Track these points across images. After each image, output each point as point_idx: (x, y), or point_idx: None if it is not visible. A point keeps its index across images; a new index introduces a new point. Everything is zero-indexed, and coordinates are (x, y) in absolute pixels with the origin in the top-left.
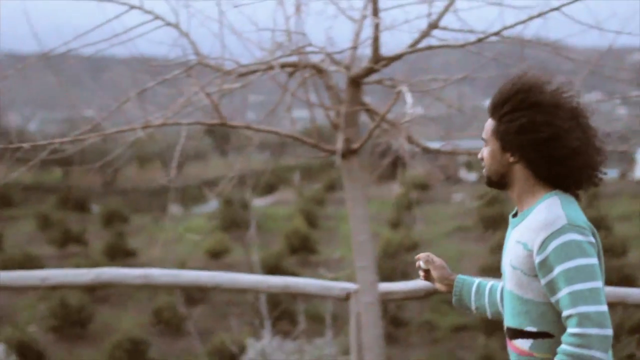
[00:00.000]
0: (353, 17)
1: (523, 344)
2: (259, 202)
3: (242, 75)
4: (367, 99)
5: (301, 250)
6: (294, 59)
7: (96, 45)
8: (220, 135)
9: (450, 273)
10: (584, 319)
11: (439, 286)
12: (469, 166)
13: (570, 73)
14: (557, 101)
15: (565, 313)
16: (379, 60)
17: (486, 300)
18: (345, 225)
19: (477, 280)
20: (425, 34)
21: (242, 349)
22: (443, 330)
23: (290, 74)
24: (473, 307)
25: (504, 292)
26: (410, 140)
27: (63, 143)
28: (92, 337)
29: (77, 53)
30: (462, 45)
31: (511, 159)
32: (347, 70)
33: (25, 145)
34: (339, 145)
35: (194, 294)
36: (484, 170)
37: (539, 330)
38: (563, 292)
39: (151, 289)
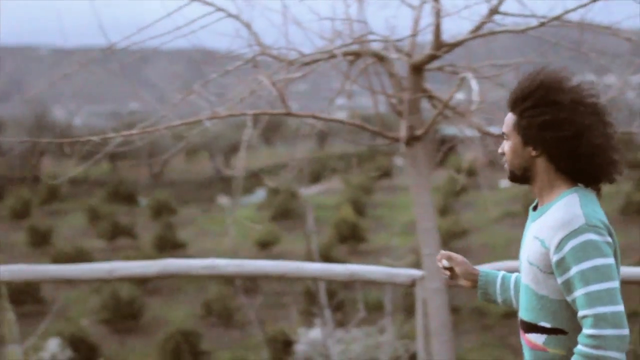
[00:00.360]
0: (412, 4)
1: (537, 338)
2: (306, 191)
3: (305, 64)
4: (428, 85)
5: (350, 239)
6: (355, 47)
7: (159, 38)
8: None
9: (473, 268)
10: (600, 320)
11: (463, 282)
12: None
13: (629, 55)
14: (579, 98)
15: (581, 313)
16: (440, 46)
17: (512, 292)
18: (393, 213)
19: (500, 273)
20: (486, 20)
21: (294, 339)
22: (493, 317)
23: (351, 62)
24: (499, 300)
25: (520, 285)
26: (474, 126)
27: (131, 135)
28: (143, 329)
29: (140, 47)
30: (523, 31)
31: (533, 153)
32: (408, 57)
33: (95, 138)
34: (403, 132)
35: (246, 285)
36: (505, 165)
37: (552, 326)
38: (579, 292)
39: (216, 279)
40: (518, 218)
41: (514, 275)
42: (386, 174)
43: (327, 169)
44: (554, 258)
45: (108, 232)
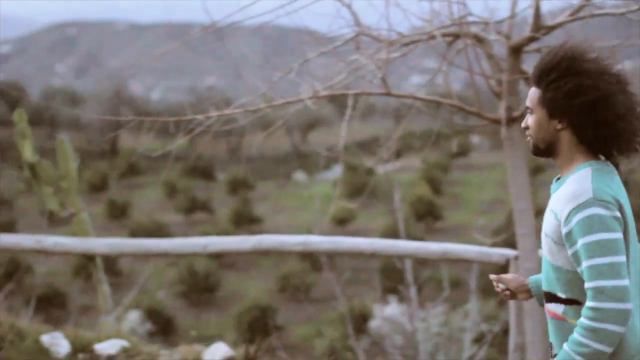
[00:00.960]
0: None
1: (556, 308)
2: (383, 169)
3: (404, 44)
4: (525, 67)
5: (427, 217)
6: (453, 28)
7: (261, 17)
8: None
9: (523, 279)
10: (599, 293)
11: (520, 297)
12: None
13: None
14: (602, 67)
15: (585, 286)
16: (539, 28)
17: None
18: (469, 191)
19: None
20: (585, 2)
21: (368, 315)
22: None
23: (449, 43)
24: None
25: (543, 257)
26: None
27: (234, 114)
28: (219, 303)
29: (240, 25)
30: (623, 13)
31: (558, 126)
32: (507, 39)
33: (200, 117)
34: (502, 113)
35: (322, 260)
36: (529, 139)
37: (567, 297)
38: (584, 265)
39: (310, 254)
40: None
41: None
42: (463, 152)
43: (405, 147)
44: (564, 230)
45: (185, 206)
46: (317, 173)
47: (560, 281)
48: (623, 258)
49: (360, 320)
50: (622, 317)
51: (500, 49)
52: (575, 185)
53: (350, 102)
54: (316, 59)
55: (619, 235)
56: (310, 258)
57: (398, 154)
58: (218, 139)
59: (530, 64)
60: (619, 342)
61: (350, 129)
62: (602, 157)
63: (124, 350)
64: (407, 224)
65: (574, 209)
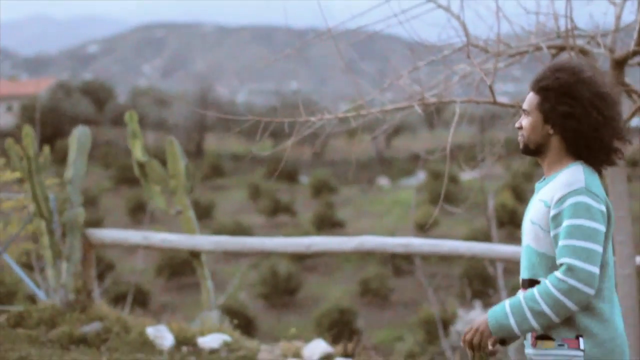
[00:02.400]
0: (615, 1)
1: None
2: (466, 176)
3: (511, 55)
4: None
5: (508, 224)
6: (559, 41)
7: (374, 25)
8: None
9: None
10: (568, 270)
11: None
12: None
13: None
14: (595, 91)
15: (558, 261)
16: None
17: None
18: None
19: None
20: None
21: (450, 320)
22: None
23: (554, 55)
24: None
25: (522, 249)
26: None
27: (344, 117)
28: (299, 305)
29: (351, 31)
30: None
31: (550, 132)
32: (611, 52)
33: (313, 119)
34: None
35: (403, 266)
36: (520, 138)
37: None
38: (562, 243)
39: (410, 257)
40: None
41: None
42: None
43: (488, 154)
44: (552, 212)
45: (268, 208)
46: (401, 179)
47: (543, 267)
48: (600, 248)
49: (443, 325)
50: (583, 298)
51: (604, 62)
52: (568, 176)
53: (457, 109)
54: (423, 67)
55: (601, 227)
56: (392, 263)
57: (482, 161)
58: (303, 142)
59: (633, 76)
60: (594, 335)
61: (436, 137)
62: (586, 163)
63: (226, 345)
64: (487, 232)
65: (566, 194)
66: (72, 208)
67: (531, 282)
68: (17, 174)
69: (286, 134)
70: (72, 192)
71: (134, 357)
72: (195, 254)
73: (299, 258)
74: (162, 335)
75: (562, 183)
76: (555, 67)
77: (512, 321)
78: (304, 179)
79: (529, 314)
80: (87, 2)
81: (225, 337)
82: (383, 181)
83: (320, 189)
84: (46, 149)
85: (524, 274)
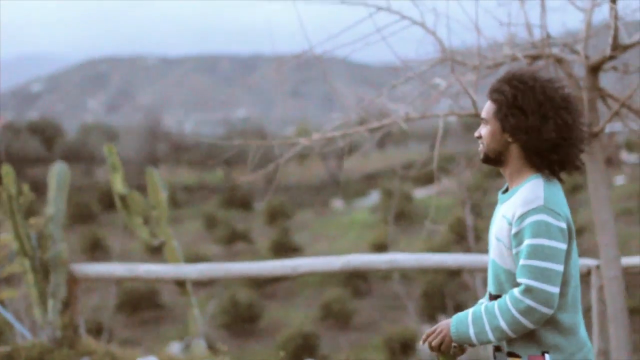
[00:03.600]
0: (584, 7)
1: None
2: (420, 193)
3: (488, 67)
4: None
5: (465, 240)
6: (533, 50)
7: (349, 46)
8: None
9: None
10: (526, 291)
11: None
12: (630, 147)
13: None
14: (550, 96)
15: (517, 280)
16: (617, 48)
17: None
18: None
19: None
20: None
21: (414, 338)
22: None
23: (529, 64)
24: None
25: (489, 261)
26: None
27: (331, 139)
28: (262, 332)
29: (331, 55)
30: None
31: (509, 139)
32: (586, 59)
33: (303, 140)
34: None
35: (361, 288)
36: (480, 147)
37: None
38: (521, 263)
39: (397, 272)
40: (634, 216)
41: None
42: (499, 173)
43: (442, 170)
44: (513, 230)
45: (225, 237)
46: (355, 200)
47: (508, 282)
48: (560, 267)
49: (405, 345)
50: (539, 318)
51: (579, 69)
52: (528, 193)
53: (440, 123)
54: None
55: (561, 245)
56: (351, 285)
57: (435, 178)
58: (255, 169)
59: (607, 81)
60: (559, 350)
61: (385, 155)
62: (547, 172)
63: None
64: (447, 247)
65: (525, 212)
66: (54, 245)
67: (497, 298)
68: None
69: (239, 162)
70: (53, 228)
71: None
72: (181, 284)
73: (259, 285)
74: None
75: (522, 200)
76: (506, 77)
77: (471, 331)
78: (259, 206)
79: (487, 327)
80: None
81: None
82: (337, 203)
83: (275, 215)
84: (26, 187)
85: (491, 289)
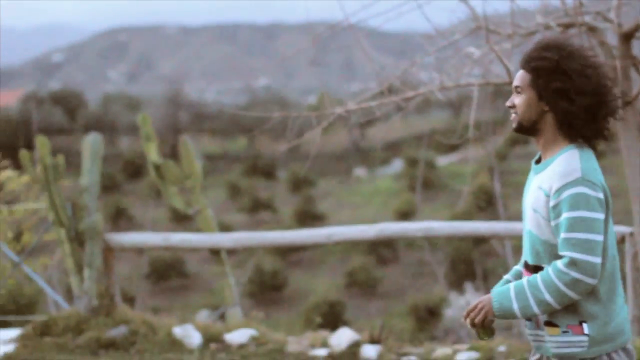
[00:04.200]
0: None
1: None
2: (443, 161)
3: (523, 36)
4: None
5: (489, 207)
6: (565, 19)
7: (382, 16)
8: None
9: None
10: (571, 264)
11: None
12: None
13: None
14: (587, 64)
15: (560, 252)
16: None
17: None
18: None
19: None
20: None
21: (440, 306)
22: None
23: (562, 32)
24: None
25: (524, 231)
26: None
27: (366, 108)
28: (287, 300)
29: (364, 25)
30: None
31: (545, 108)
32: (619, 27)
33: (339, 110)
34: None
35: (386, 255)
36: (513, 116)
37: None
38: (563, 236)
39: (393, 245)
40: None
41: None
42: (523, 140)
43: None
44: (551, 203)
45: (248, 206)
46: (378, 168)
47: (546, 253)
48: (600, 237)
49: (431, 312)
50: (585, 289)
51: (612, 37)
52: (564, 165)
53: (475, 92)
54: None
55: (600, 215)
56: (376, 253)
57: (458, 146)
58: (277, 138)
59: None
60: (596, 319)
61: (408, 123)
62: (581, 141)
63: (254, 339)
64: (470, 215)
65: (563, 185)
66: (89, 215)
67: (536, 268)
68: (26, 178)
69: (261, 131)
70: (88, 199)
71: (165, 357)
72: (215, 252)
73: (283, 254)
74: (190, 334)
75: (560, 173)
76: (543, 45)
77: (515, 306)
78: (282, 175)
79: (532, 301)
80: (48, 11)
81: (252, 332)
82: (360, 172)
83: (299, 184)
84: (60, 157)
85: (527, 257)
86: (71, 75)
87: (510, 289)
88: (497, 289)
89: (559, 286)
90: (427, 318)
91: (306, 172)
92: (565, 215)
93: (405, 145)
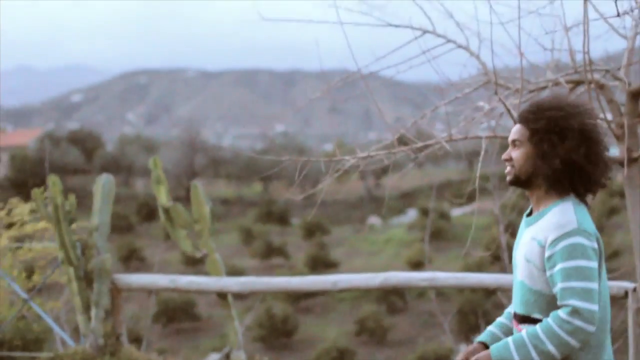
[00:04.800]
0: (625, 35)
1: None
2: (456, 212)
3: (531, 91)
4: None
5: (502, 259)
6: (575, 76)
7: (394, 67)
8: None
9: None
10: (573, 312)
11: None
12: None
13: None
14: (583, 125)
15: (560, 302)
16: None
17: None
18: None
19: (496, 330)
20: None
21: (447, 356)
22: None
23: (571, 89)
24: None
25: (515, 282)
26: None
27: (375, 156)
28: (297, 346)
29: (379, 76)
30: None
31: (541, 164)
32: (628, 85)
33: (348, 157)
34: (622, 154)
35: (397, 304)
36: (509, 169)
37: (544, 317)
38: (560, 286)
39: (403, 295)
40: None
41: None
42: None
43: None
44: (547, 254)
45: (261, 251)
46: (392, 217)
47: (537, 303)
48: (596, 286)
49: None
50: (585, 337)
51: (620, 95)
52: (559, 216)
53: (483, 144)
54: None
55: (595, 264)
56: (387, 301)
57: (472, 197)
58: (292, 184)
59: None
60: None
61: (424, 173)
62: (573, 195)
63: None
64: (482, 266)
65: (559, 236)
66: (99, 254)
67: (524, 319)
68: (44, 224)
69: (275, 177)
70: (98, 239)
71: None
72: (222, 296)
73: (294, 299)
74: None
75: (555, 224)
76: (544, 104)
77: (516, 358)
78: (296, 221)
79: (533, 353)
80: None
81: None
82: (374, 220)
83: (313, 231)
84: (72, 197)
85: (517, 308)
86: (89, 116)
87: (509, 343)
88: (495, 345)
89: (561, 335)
90: None
91: (320, 219)
92: (561, 265)
93: (420, 195)
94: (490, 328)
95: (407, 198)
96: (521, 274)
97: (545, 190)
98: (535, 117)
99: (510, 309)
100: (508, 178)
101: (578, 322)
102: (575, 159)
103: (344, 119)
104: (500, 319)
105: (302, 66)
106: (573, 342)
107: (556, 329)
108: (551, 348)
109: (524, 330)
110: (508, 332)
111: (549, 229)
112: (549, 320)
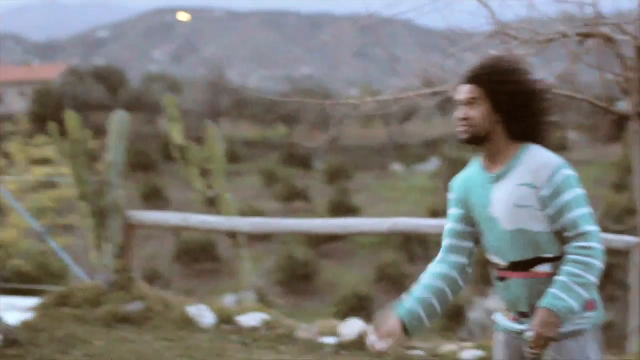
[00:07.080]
0: None
1: (545, 267)
2: None
3: (539, 42)
4: None
5: None
6: (585, 29)
7: (409, 12)
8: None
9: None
10: (591, 236)
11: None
12: None
13: None
14: (530, 77)
15: (577, 230)
16: None
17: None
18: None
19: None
20: None
21: (464, 308)
22: None
23: (580, 43)
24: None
25: (501, 235)
26: None
27: (384, 101)
28: (317, 291)
29: (395, 19)
30: None
31: (500, 119)
32: (635, 39)
33: (354, 101)
34: (630, 108)
35: (417, 252)
36: (465, 128)
37: (555, 255)
38: (573, 214)
39: (425, 243)
40: None
41: (427, 283)
42: (561, 148)
43: None
44: (544, 192)
45: (284, 194)
46: (415, 165)
47: (543, 244)
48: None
49: (457, 313)
50: (603, 257)
51: (628, 49)
52: (539, 157)
53: None
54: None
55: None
56: (406, 249)
57: None
58: (317, 128)
59: None
60: (598, 298)
61: (447, 121)
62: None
63: (265, 323)
64: None
65: (552, 172)
66: (113, 191)
67: (535, 261)
68: (49, 153)
69: (299, 119)
70: (113, 175)
71: (177, 335)
72: (233, 236)
73: (315, 244)
74: (203, 314)
75: (540, 163)
76: (492, 63)
77: (572, 302)
78: (319, 165)
79: (580, 290)
80: None
81: (265, 316)
82: (397, 167)
83: (335, 175)
84: (89, 133)
85: (515, 257)
86: (115, 53)
87: (556, 293)
88: (546, 301)
89: (593, 263)
90: (453, 319)
91: (343, 164)
92: (566, 196)
93: (444, 144)
94: (411, 305)
95: (430, 146)
96: (514, 223)
97: (504, 145)
98: (488, 75)
99: (449, 268)
100: (465, 136)
101: (597, 245)
102: (529, 111)
103: (369, 64)
104: (428, 284)
105: (330, 9)
106: (601, 264)
107: (586, 258)
108: (591, 278)
109: (563, 273)
110: (441, 296)
111: (537, 170)
112: (574, 254)
